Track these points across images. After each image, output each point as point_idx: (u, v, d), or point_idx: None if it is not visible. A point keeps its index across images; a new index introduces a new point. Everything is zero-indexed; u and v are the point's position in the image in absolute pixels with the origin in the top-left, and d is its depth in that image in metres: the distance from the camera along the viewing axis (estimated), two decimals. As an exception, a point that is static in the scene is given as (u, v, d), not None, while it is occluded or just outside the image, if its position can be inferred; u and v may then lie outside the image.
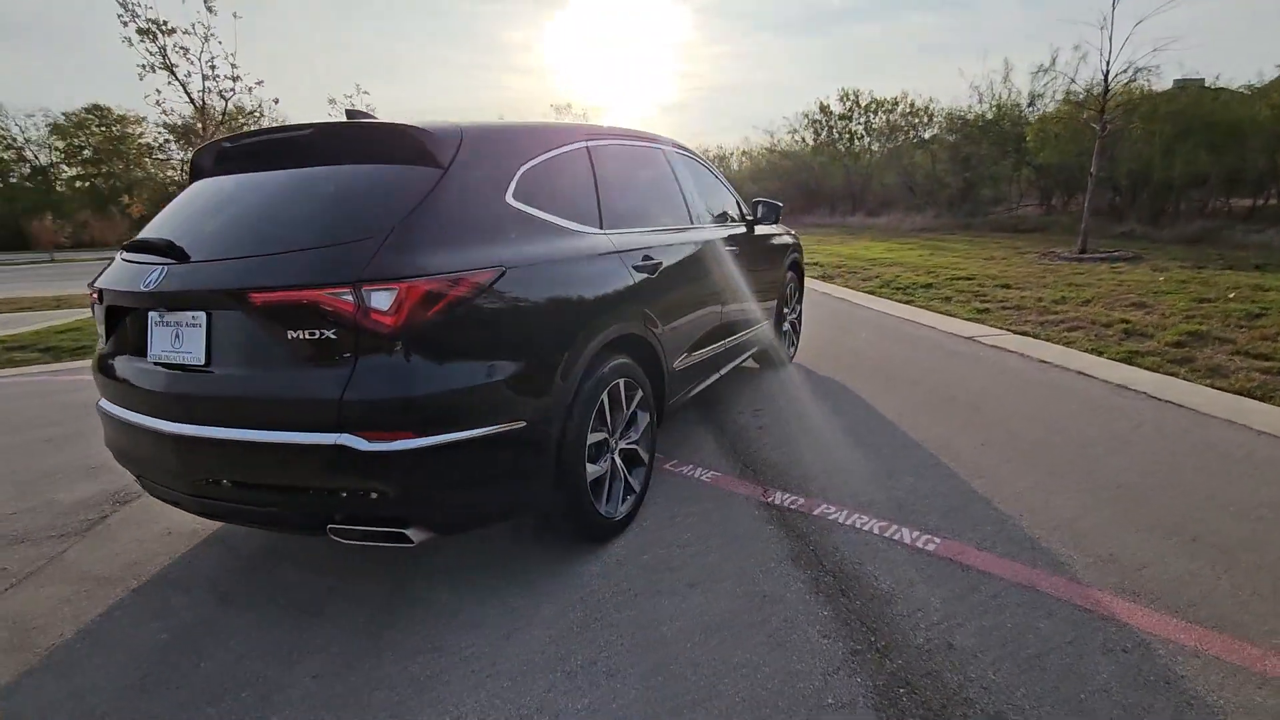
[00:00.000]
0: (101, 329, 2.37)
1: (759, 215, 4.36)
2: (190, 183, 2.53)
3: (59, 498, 3.24)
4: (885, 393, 4.34)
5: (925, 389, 4.37)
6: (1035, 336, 5.73)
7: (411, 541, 1.97)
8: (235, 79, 9.53)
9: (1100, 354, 5.05)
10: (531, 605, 2.24)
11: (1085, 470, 3.06)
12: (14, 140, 40.70)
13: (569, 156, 2.68)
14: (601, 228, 2.70)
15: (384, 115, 2.50)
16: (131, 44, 8.34)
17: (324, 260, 1.87)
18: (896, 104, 27.78)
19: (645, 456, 2.84)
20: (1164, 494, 2.81)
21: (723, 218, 4.22)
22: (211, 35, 8.95)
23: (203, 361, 2.00)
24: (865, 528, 2.64)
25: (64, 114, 40.60)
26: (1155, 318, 6.09)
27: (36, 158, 40.77)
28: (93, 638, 2.20)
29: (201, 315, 1.99)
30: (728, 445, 3.60)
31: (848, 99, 28.76)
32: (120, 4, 8.06)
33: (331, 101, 15.79)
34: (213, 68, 9.19)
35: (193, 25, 8.84)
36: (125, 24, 8.28)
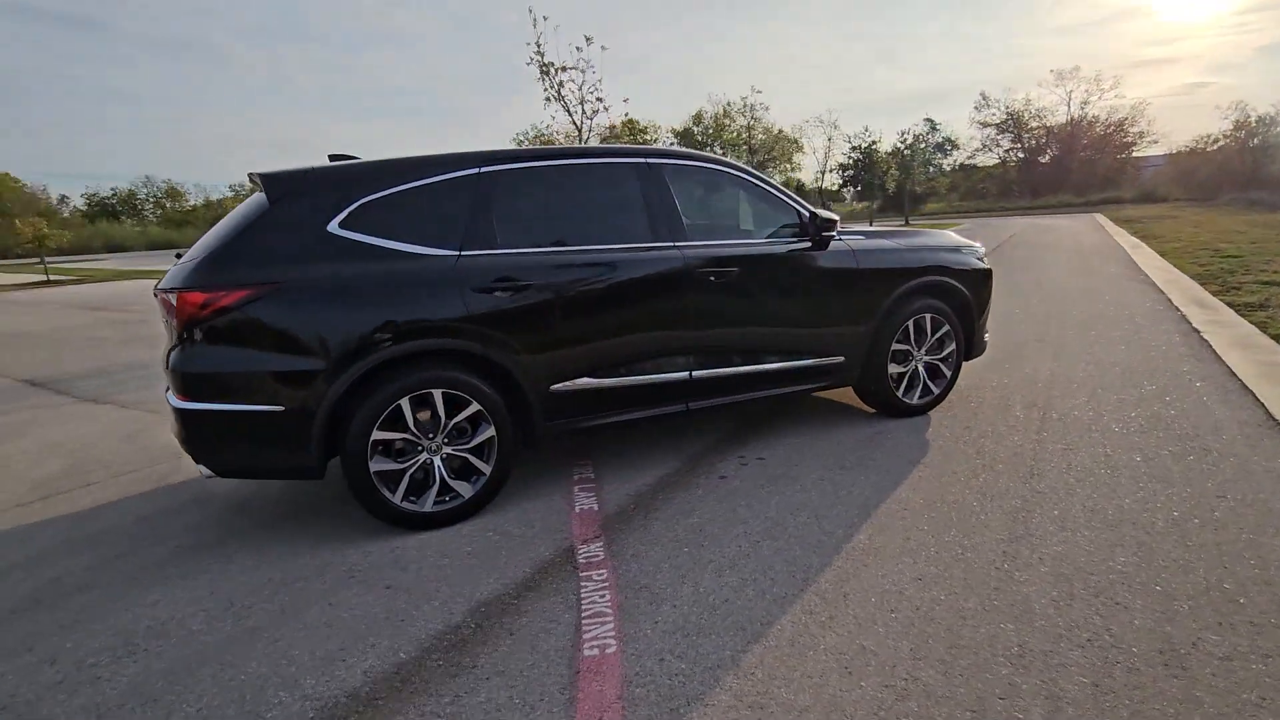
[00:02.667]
0: None
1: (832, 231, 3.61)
2: None
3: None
4: (956, 480, 3.15)
5: (1023, 490, 2.99)
6: None
7: (207, 474, 2.76)
8: (599, 99, 11.69)
9: None
10: (278, 563, 2.75)
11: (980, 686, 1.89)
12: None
13: (440, 185, 2.97)
14: (459, 250, 2.93)
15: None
16: (540, 80, 11.19)
17: (179, 273, 2.76)
18: None
19: (484, 467, 2.99)
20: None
21: (771, 233, 3.69)
22: (589, 67, 11.24)
23: None
24: (588, 606, 2.31)
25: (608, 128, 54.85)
26: None
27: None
28: (163, 491, 3.67)
29: None
30: (662, 483, 3.31)
31: None
32: (532, 54, 10.86)
33: (727, 104, 17.16)
34: (591, 94, 11.53)
35: (577, 62, 11.25)
36: (539, 67, 11.14)
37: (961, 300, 4.12)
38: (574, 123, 11.46)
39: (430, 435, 2.90)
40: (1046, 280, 10.01)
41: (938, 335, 4.06)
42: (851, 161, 31.98)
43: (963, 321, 4.15)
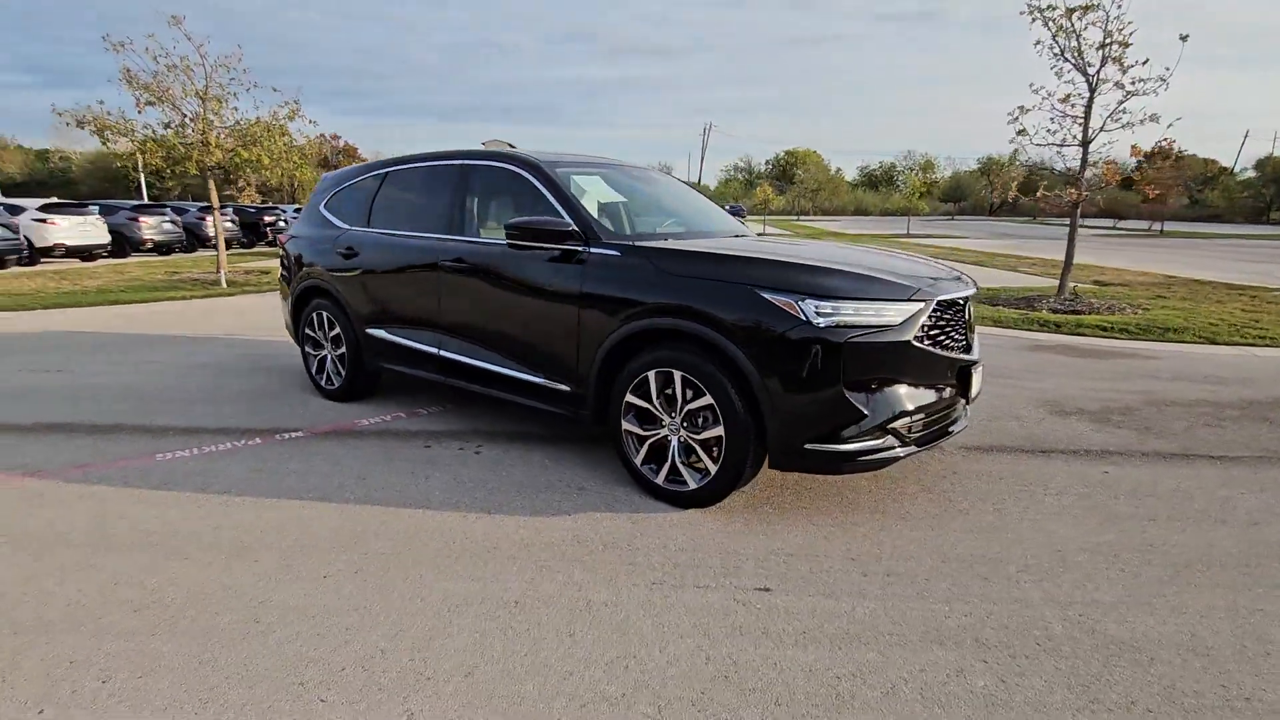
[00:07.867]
0: None
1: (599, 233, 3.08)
2: None
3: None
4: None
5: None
6: None
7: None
8: (1124, 44, 7.28)
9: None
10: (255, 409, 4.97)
11: None
12: None
13: (365, 181, 4.33)
14: (350, 226, 4.32)
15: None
16: (1043, 26, 7.99)
17: None
18: None
19: (340, 374, 4.41)
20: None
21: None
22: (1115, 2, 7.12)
23: None
24: (185, 454, 3.53)
25: None
26: None
27: None
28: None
29: None
30: (420, 434, 3.79)
31: None
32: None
33: None
34: (1117, 37, 7.39)
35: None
36: (1039, 12, 7.95)
37: (731, 365, 2.62)
38: (1086, 79, 8.13)
39: (324, 340, 4.52)
40: None
41: (694, 405, 2.76)
42: None
43: (747, 399, 2.63)
